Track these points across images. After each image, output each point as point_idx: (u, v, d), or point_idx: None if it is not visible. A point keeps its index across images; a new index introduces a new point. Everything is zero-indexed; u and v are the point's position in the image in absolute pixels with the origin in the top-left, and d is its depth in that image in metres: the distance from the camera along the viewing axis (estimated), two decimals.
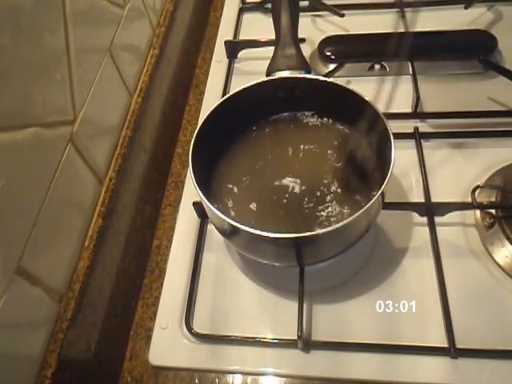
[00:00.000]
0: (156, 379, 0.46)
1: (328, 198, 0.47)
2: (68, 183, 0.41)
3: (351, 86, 0.47)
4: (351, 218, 0.38)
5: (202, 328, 0.46)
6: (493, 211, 0.49)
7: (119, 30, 0.52)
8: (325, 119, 0.52)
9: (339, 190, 0.47)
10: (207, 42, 0.75)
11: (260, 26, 0.71)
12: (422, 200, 0.51)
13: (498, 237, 0.47)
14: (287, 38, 0.52)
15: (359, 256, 0.49)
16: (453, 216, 0.49)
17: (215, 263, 0.51)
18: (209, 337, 0.46)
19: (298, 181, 0.48)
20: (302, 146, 0.51)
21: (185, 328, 0.46)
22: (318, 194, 0.47)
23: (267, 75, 0.51)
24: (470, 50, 0.63)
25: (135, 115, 0.53)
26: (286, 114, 0.53)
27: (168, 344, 0.46)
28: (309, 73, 0.50)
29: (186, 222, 0.54)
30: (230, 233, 0.44)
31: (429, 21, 0.67)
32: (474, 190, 0.48)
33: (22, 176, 0.35)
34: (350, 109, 0.48)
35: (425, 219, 0.50)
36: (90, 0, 0.46)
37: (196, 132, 0.45)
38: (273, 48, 0.53)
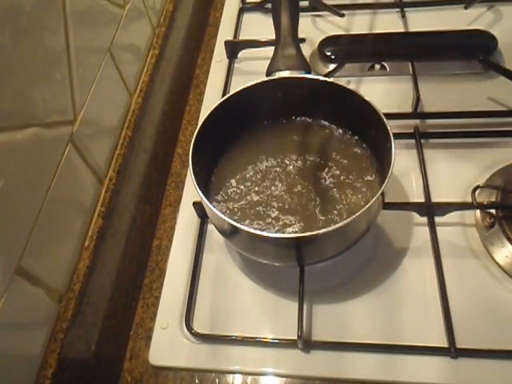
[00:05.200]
0: (156, 379, 0.46)
1: (328, 197, 0.47)
2: (68, 183, 0.41)
3: (351, 86, 0.47)
4: (351, 218, 0.38)
5: (202, 328, 0.46)
6: (493, 211, 0.49)
7: (119, 30, 0.52)
8: (325, 119, 0.52)
9: (339, 190, 0.47)
10: (207, 42, 0.75)
11: (260, 26, 0.71)
12: (422, 200, 0.51)
13: (497, 237, 0.47)
14: (287, 38, 0.52)
15: (359, 256, 0.49)
16: (453, 216, 0.49)
17: (215, 263, 0.51)
18: (209, 337, 0.46)
19: (299, 180, 0.48)
20: (302, 146, 0.51)
21: (185, 328, 0.46)
22: (319, 193, 0.47)
23: (267, 75, 0.51)
24: (470, 50, 0.63)
25: (135, 115, 0.53)
26: (285, 113, 0.53)
27: (168, 344, 0.46)
28: (309, 73, 0.50)
29: (186, 221, 0.54)
30: (230, 233, 0.44)
31: (429, 21, 0.67)
32: (474, 190, 0.48)
33: (22, 176, 0.35)
34: (349, 109, 0.48)
35: (425, 219, 0.50)
36: (90, 0, 0.46)
37: (196, 132, 0.45)
38: (273, 48, 0.53)
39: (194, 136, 0.45)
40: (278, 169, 0.50)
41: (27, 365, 0.36)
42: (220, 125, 0.48)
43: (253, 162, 0.50)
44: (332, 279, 0.48)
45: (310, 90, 0.50)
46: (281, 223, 0.45)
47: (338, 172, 0.48)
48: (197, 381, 0.45)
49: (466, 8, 0.68)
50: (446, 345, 0.43)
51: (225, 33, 0.72)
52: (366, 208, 0.39)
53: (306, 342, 0.44)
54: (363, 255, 0.49)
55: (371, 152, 0.49)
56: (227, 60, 0.69)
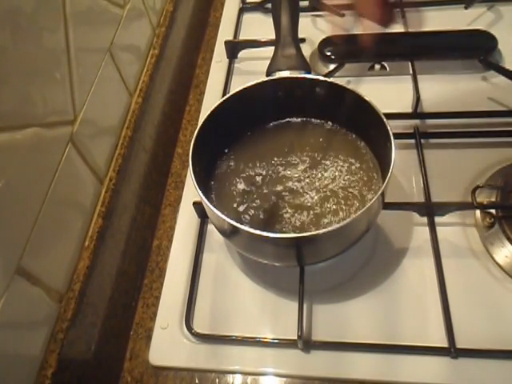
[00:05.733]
0: (156, 379, 0.46)
1: (328, 198, 0.47)
2: (68, 183, 0.41)
3: (351, 86, 0.47)
4: (351, 218, 0.38)
5: (202, 328, 0.46)
6: (493, 211, 0.49)
7: (119, 30, 0.52)
8: (325, 119, 0.52)
9: (339, 190, 0.47)
10: (207, 42, 0.75)
11: (260, 26, 0.71)
12: (422, 200, 0.51)
13: (497, 237, 0.47)
14: (287, 38, 0.52)
15: (359, 256, 0.49)
16: (453, 216, 0.49)
17: (215, 263, 0.51)
18: (209, 337, 0.46)
19: (299, 180, 0.48)
20: (302, 146, 0.51)
21: (185, 328, 0.46)
22: (319, 193, 0.47)
23: (267, 75, 0.51)
24: (470, 50, 0.63)
25: (135, 115, 0.53)
26: (285, 114, 0.53)
27: (168, 344, 0.46)
28: (309, 73, 0.50)
29: (186, 221, 0.54)
30: (230, 233, 0.44)
31: (429, 21, 0.67)
32: (474, 190, 0.48)
33: (22, 176, 0.35)
34: (350, 109, 0.48)
35: (425, 219, 0.50)
36: (90, 0, 0.46)
37: (196, 132, 0.45)
38: (273, 48, 0.53)
39: (194, 136, 0.45)
40: (277, 168, 0.50)
41: (27, 365, 0.36)
42: (220, 125, 0.48)
43: (253, 162, 0.50)
44: (332, 279, 0.48)
45: (310, 90, 0.50)
46: (281, 223, 0.45)
47: (337, 172, 0.48)
48: (197, 381, 0.45)
49: (466, 8, 0.68)
50: (446, 345, 0.43)
51: (225, 33, 0.72)
52: (366, 208, 0.39)
53: (306, 342, 0.44)
54: (363, 255, 0.49)
55: (371, 152, 0.49)
56: (227, 60, 0.69)
